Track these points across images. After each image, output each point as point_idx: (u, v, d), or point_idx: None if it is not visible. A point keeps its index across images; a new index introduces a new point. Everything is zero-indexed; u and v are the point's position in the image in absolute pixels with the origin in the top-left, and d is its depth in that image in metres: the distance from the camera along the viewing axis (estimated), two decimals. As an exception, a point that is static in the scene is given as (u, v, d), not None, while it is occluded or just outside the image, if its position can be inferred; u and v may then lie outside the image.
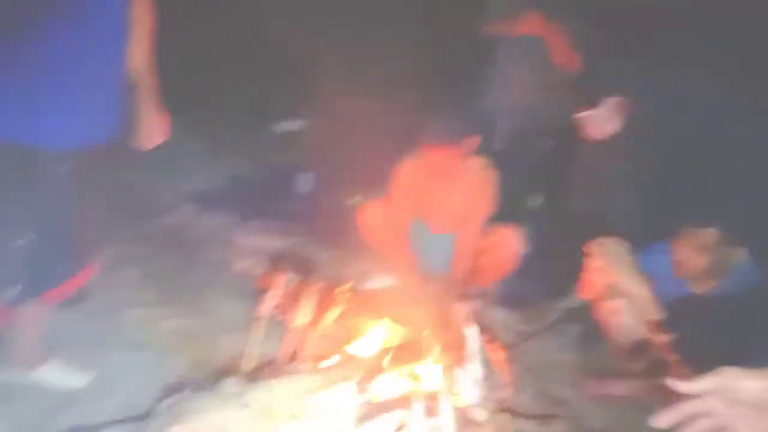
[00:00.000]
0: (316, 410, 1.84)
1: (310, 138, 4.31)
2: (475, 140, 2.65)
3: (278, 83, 4.55)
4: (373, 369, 2.05)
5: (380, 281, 2.92)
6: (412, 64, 3.62)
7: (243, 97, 4.61)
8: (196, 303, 2.72)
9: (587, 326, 2.55)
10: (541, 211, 3.14)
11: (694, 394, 0.85)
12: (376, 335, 2.26)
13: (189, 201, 3.72)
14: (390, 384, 2.03)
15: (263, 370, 2.06)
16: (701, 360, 1.05)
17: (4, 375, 2.06)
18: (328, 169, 3.74)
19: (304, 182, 3.97)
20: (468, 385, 1.85)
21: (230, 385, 1.84)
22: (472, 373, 1.88)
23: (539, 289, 2.97)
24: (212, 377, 2.01)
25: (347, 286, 2.27)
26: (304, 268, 2.40)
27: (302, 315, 2.15)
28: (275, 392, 1.85)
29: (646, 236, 2.21)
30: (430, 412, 1.84)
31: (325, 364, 2.10)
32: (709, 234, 2.12)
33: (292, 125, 4.77)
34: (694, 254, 2.15)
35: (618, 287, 2.11)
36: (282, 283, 2.21)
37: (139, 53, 2.02)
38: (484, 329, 2.25)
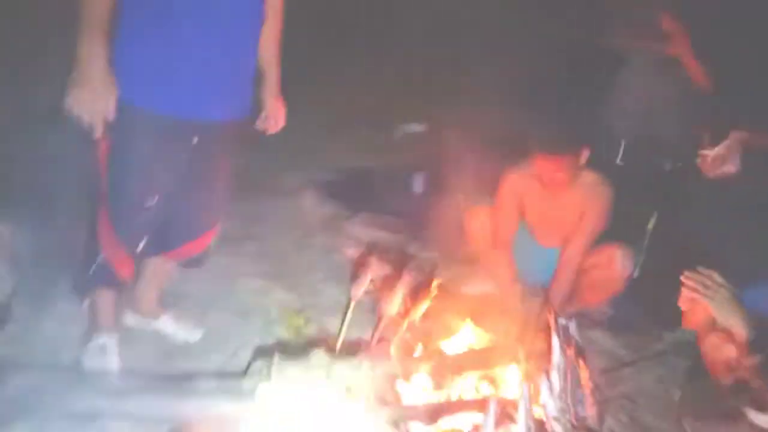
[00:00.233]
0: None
1: (429, 141, 4.41)
2: (587, 153, 2.58)
3: (405, 86, 4.72)
4: (454, 367, 2.08)
5: (478, 287, 2.94)
6: (531, 71, 3.59)
7: (369, 98, 4.81)
8: (303, 282, 2.91)
9: (694, 361, 2.41)
10: (654, 234, 2.98)
11: None
12: (462, 335, 2.29)
13: (308, 189, 3.96)
14: (468, 385, 2.05)
15: (351, 350, 2.17)
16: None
17: (131, 320, 2.35)
18: (442, 172, 3.81)
19: (418, 183, 4.07)
20: (547, 396, 1.83)
21: (318, 357, 1.97)
22: (553, 384, 1.85)
23: (646, 317, 2.83)
24: (304, 348, 2.15)
25: (436, 282, 2.31)
26: (401, 261, 2.48)
27: (393, 304, 2.23)
28: (359, 371, 1.95)
29: (755, 272, 2.06)
30: (507, 419, 1.85)
31: (409, 355, 2.17)
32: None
33: (415, 128, 4.91)
34: None
35: (718, 321, 1.97)
36: (375, 269, 2.31)
37: (268, 43, 2.13)
38: (576, 346, 2.20)
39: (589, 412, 2.08)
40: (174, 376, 2.09)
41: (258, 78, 2.14)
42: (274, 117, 2.22)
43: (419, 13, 4.55)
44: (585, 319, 2.80)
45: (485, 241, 2.90)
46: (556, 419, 1.84)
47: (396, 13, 5.03)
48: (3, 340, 2.15)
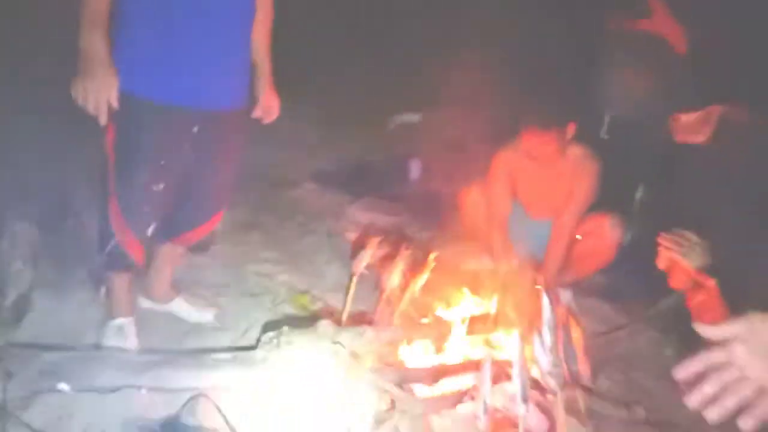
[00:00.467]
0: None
1: (424, 128, 4.54)
2: (573, 127, 2.68)
3: (400, 77, 4.84)
4: (452, 332, 2.20)
5: (476, 263, 3.05)
6: (519, 49, 3.69)
7: (365, 88, 4.94)
8: (308, 265, 3.04)
9: (687, 324, 2.50)
10: (643, 203, 3.09)
11: (720, 340, 0.83)
12: (461, 305, 2.41)
13: (310, 178, 4.09)
14: (466, 348, 2.17)
15: (356, 321, 2.29)
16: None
17: (146, 303, 2.47)
18: (436, 158, 3.94)
19: (414, 169, 4.21)
20: (540, 351, 1.93)
21: (324, 326, 2.09)
22: (545, 339, 1.95)
23: (639, 284, 2.93)
24: (311, 321, 2.27)
25: (433, 255, 2.42)
26: (399, 239, 2.60)
27: (393, 278, 2.35)
28: (364, 338, 2.07)
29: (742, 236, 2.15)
30: (504, 377, 1.96)
31: (410, 323, 2.29)
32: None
33: (410, 117, 5.04)
34: None
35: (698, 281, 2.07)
36: (374, 244, 2.43)
37: (260, 35, 2.19)
38: (568, 311, 2.31)
39: (582, 369, 2.19)
40: (190, 351, 2.21)
41: (252, 70, 2.22)
42: (268, 108, 2.29)
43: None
44: (580, 289, 2.92)
45: (480, 218, 3.00)
46: (549, 373, 1.94)
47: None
48: (27, 325, 2.27)
